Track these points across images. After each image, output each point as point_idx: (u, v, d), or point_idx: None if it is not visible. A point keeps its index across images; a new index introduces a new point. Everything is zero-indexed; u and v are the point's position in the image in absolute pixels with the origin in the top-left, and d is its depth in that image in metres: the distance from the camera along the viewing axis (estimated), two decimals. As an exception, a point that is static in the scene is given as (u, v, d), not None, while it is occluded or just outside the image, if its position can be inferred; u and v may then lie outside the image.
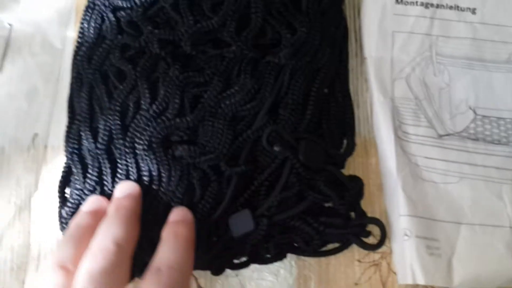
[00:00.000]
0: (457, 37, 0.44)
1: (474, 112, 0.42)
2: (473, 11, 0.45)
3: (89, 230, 0.35)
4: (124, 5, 0.43)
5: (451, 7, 0.45)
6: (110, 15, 0.43)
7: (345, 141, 0.43)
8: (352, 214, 0.41)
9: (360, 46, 0.45)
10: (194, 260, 0.36)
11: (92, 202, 0.39)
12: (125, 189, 0.39)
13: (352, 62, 0.45)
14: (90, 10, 0.44)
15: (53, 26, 0.47)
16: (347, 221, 0.40)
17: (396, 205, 0.40)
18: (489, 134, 0.42)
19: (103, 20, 0.44)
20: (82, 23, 0.44)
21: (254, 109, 0.40)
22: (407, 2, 0.45)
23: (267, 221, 0.38)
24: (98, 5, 0.44)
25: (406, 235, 0.39)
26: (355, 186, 0.41)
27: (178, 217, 0.38)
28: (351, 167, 0.43)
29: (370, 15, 0.45)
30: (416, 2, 0.45)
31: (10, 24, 0.47)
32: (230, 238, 0.39)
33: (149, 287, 0.32)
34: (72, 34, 0.47)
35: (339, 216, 0.40)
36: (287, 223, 0.39)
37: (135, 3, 0.43)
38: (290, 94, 0.41)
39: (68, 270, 0.33)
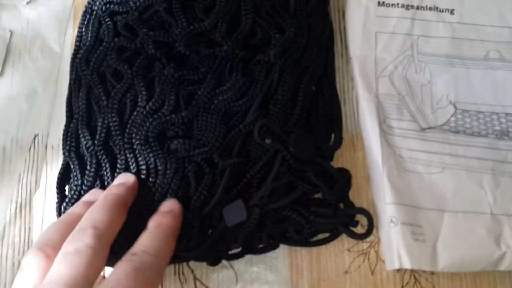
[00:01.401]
0: (437, 36, 0.47)
1: (455, 106, 0.45)
2: (452, 11, 0.47)
3: (79, 218, 0.37)
4: (121, 10, 0.45)
5: (430, 8, 0.47)
6: (107, 19, 0.45)
7: (333, 136, 0.45)
8: (341, 205, 0.43)
9: (346, 47, 0.48)
10: (173, 250, 0.38)
11: (91, 193, 0.41)
12: (120, 179, 0.41)
13: (338, 62, 0.48)
14: (87, 15, 0.47)
15: (52, 31, 0.49)
16: (336, 211, 0.41)
17: (382, 195, 0.42)
18: (469, 127, 0.44)
19: (100, 24, 0.46)
20: (80, 28, 0.47)
21: (246, 105, 0.42)
22: (389, 4, 0.47)
23: (259, 211, 0.40)
24: (96, 10, 0.46)
25: (392, 222, 0.40)
26: (343, 178, 0.43)
27: (166, 209, 0.40)
28: (340, 161, 0.45)
29: (354, 17, 0.47)
30: (397, 4, 0.47)
31: (10, 31, 0.49)
32: (224, 228, 0.40)
33: (121, 267, 0.33)
34: (70, 38, 0.49)
35: (328, 207, 0.41)
36: (279, 213, 0.41)
37: (131, 8, 0.45)
38: (280, 91, 0.43)
39: (48, 254, 0.34)
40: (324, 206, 0.41)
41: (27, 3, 0.49)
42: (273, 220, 0.41)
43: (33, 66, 0.48)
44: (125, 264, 0.33)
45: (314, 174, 0.41)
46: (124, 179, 0.41)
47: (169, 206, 0.40)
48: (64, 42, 0.49)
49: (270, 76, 0.43)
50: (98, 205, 0.38)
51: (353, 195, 0.44)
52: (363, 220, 0.42)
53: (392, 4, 0.47)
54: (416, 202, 0.41)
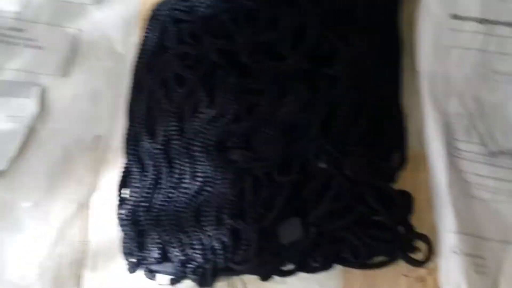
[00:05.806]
0: (514, 54, 0.44)
1: (528, 131, 0.42)
2: (532, 28, 0.44)
3: None
4: (186, 18, 0.45)
5: (508, 24, 0.44)
6: (172, 26, 0.45)
7: (395, 154, 0.43)
8: (401, 228, 0.41)
9: (413, 60, 0.45)
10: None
11: None
12: None
13: (404, 75, 0.45)
14: (154, 21, 0.47)
15: (118, 33, 0.49)
16: (395, 235, 0.40)
17: (445, 221, 0.40)
18: (543, 154, 0.41)
19: (164, 30, 0.46)
20: (147, 33, 0.47)
21: (308, 119, 0.41)
22: (463, 17, 0.44)
23: (315, 230, 0.39)
24: (162, 17, 0.47)
25: (455, 252, 0.39)
26: (404, 201, 0.41)
27: None
28: (400, 181, 0.43)
29: (424, 29, 0.45)
30: (472, 17, 0.44)
31: (79, 30, 0.49)
32: (279, 244, 0.40)
33: None
34: (134, 39, 0.48)
35: (387, 230, 0.40)
36: (335, 233, 0.40)
37: (196, 16, 0.45)
38: (344, 106, 0.41)
39: None
40: (383, 229, 0.40)
41: (94, 3, 0.50)
42: (328, 239, 0.40)
43: (98, 66, 0.48)
44: None
45: (373, 196, 0.40)
46: None
47: None
48: (128, 43, 0.48)
49: (335, 90, 0.42)
50: None
51: (413, 217, 0.42)
52: (422, 244, 0.40)
53: (466, 18, 0.44)
54: (480, 232, 0.39)
